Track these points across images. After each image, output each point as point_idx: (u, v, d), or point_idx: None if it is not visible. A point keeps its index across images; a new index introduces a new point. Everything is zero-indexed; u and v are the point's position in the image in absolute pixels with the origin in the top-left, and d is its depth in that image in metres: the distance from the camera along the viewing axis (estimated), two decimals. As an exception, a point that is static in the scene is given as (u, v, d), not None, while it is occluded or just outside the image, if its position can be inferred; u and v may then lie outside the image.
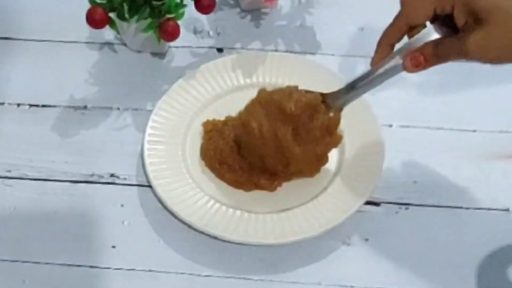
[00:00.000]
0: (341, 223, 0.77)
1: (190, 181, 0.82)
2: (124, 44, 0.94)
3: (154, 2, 0.86)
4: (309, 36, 0.96)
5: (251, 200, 0.81)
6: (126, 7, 0.86)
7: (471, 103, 0.89)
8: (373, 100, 0.86)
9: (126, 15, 0.87)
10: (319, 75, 0.88)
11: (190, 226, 0.78)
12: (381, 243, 0.78)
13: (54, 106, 0.89)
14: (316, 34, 0.96)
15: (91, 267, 0.77)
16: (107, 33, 0.94)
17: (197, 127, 0.86)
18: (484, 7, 0.64)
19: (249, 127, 0.79)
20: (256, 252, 0.78)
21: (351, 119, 0.83)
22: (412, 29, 0.70)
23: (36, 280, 0.76)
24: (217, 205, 0.80)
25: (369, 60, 0.92)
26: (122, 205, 0.81)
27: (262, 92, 0.81)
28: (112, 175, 0.84)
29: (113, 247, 0.78)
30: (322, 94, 0.78)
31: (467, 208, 0.81)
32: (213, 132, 0.84)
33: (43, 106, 0.89)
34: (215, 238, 0.77)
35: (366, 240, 0.79)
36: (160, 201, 0.80)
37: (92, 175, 0.84)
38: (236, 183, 0.81)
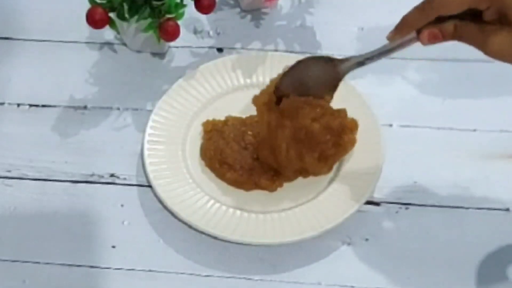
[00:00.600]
0: (341, 223, 0.77)
1: (190, 181, 0.82)
2: (124, 44, 0.94)
3: (154, 2, 0.86)
4: (309, 36, 0.96)
5: (251, 200, 0.81)
6: (126, 7, 0.86)
7: (471, 103, 0.89)
8: (373, 100, 0.86)
9: (126, 15, 0.87)
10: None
11: (190, 226, 0.78)
12: (381, 243, 0.78)
13: (54, 106, 0.89)
14: (316, 34, 0.96)
15: (91, 267, 0.77)
16: (107, 33, 0.94)
17: (197, 127, 0.86)
18: None
19: (276, 146, 0.78)
20: (256, 252, 0.78)
21: (351, 119, 0.83)
22: (440, 20, 0.68)
23: (36, 280, 0.76)
24: (217, 205, 0.80)
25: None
26: (122, 205, 0.81)
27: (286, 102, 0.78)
28: (112, 175, 0.84)
29: (113, 247, 0.78)
30: (332, 59, 0.76)
31: (467, 208, 0.81)
32: (213, 132, 0.84)
33: (43, 106, 0.89)
34: (215, 238, 0.77)
35: (366, 240, 0.79)
36: (160, 201, 0.80)
37: (92, 175, 0.84)
38: (236, 183, 0.81)
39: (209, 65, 0.90)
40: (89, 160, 0.85)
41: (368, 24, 0.96)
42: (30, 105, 0.90)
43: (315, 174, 0.81)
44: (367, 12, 0.97)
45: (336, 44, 0.95)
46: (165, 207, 0.79)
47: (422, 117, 0.88)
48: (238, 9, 0.99)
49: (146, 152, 0.83)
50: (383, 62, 0.93)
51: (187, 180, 0.82)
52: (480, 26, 0.66)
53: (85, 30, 0.91)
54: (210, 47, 0.95)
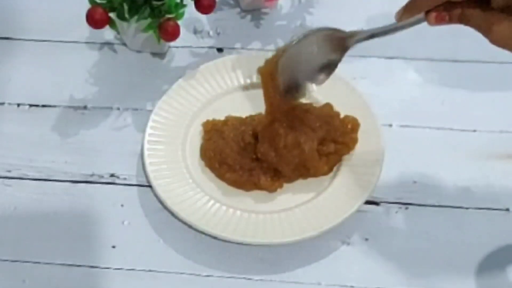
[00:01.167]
0: (341, 223, 0.77)
1: (190, 181, 0.82)
2: (124, 44, 0.94)
3: (154, 2, 0.86)
4: (309, 36, 0.96)
5: (251, 200, 0.81)
6: (126, 7, 0.86)
7: (471, 103, 0.89)
8: (373, 100, 0.86)
9: (126, 15, 0.87)
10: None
11: (190, 226, 0.78)
12: (381, 243, 0.78)
13: (54, 106, 0.89)
14: (316, 34, 0.96)
15: (91, 267, 0.77)
16: (107, 33, 0.94)
17: (197, 127, 0.86)
18: None
19: (274, 131, 0.80)
20: (256, 252, 0.78)
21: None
22: (452, 6, 0.68)
23: (36, 280, 0.76)
24: (217, 205, 0.80)
25: (368, 60, 0.93)
26: (122, 205, 0.81)
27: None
28: (112, 175, 0.84)
29: (113, 247, 0.78)
30: (339, 30, 0.75)
31: (467, 208, 0.81)
32: (212, 132, 0.84)
33: (43, 106, 0.89)
34: (215, 238, 0.77)
35: (366, 240, 0.79)
36: (160, 201, 0.80)
37: (92, 175, 0.84)
38: (236, 183, 0.81)
39: (209, 65, 0.90)
40: (89, 160, 0.85)
41: (368, 24, 0.96)
42: (30, 105, 0.90)
43: (316, 174, 0.81)
44: (367, 12, 0.97)
45: (336, 44, 0.94)
46: (165, 207, 0.79)
47: (422, 117, 0.88)
48: (238, 9, 0.99)
49: (146, 152, 0.83)
50: (383, 62, 0.94)
51: (187, 180, 0.82)
52: (486, 13, 0.66)
53: (85, 30, 0.91)
54: (210, 47, 0.95)
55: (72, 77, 0.92)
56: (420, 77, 0.92)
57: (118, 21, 0.88)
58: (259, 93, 0.88)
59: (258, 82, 0.89)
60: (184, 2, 0.88)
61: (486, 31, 0.66)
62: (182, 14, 0.88)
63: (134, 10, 0.86)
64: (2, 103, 0.90)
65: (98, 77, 0.92)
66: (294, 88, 0.78)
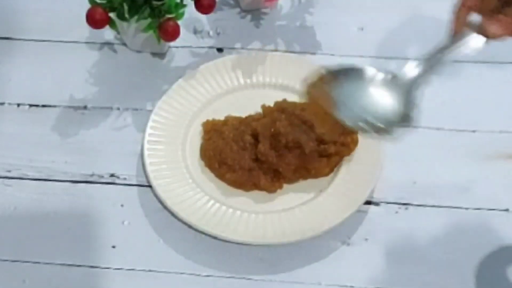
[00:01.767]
0: (341, 223, 0.77)
1: (190, 181, 0.82)
2: (124, 44, 0.94)
3: (154, 2, 0.86)
4: (309, 36, 0.96)
5: (251, 200, 0.81)
6: (126, 7, 0.86)
7: (471, 103, 0.89)
8: (373, 100, 0.86)
9: (126, 15, 0.87)
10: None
11: (190, 226, 0.78)
12: (381, 243, 0.78)
13: (54, 106, 0.89)
14: (316, 34, 0.96)
15: (91, 267, 0.77)
16: (107, 33, 0.94)
17: (197, 127, 0.86)
18: None
19: (275, 132, 0.80)
20: (256, 252, 0.78)
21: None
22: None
23: (36, 280, 0.76)
24: (217, 205, 0.80)
25: (368, 60, 0.93)
26: (122, 205, 0.81)
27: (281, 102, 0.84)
28: (112, 175, 0.84)
29: (113, 247, 0.78)
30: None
31: (467, 208, 0.81)
32: (212, 132, 0.84)
33: (43, 106, 0.89)
34: (215, 238, 0.77)
35: (366, 240, 0.79)
36: (160, 201, 0.80)
37: (92, 175, 0.84)
38: (236, 184, 0.81)
39: (209, 65, 0.90)
40: (89, 160, 0.85)
41: (368, 24, 0.96)
42: (30, 105, 0.90)
43: (316, 175, 0.81)
44: (367, 12, 0.97)
45: (336, 44, 0.95)
46: (165, 207, 0.79)
47: (422, 117, 0.88)
48: (238, 9, 0.99)
49: (146, 152, 0.83)
50: (383, 62, 0.94)
51: (187, 180, 0.82)
52: None
53: (85, 30, 0.91)
54: (210, 47, 0.95)
55: (72, 77, 0.92)
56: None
57: (118, 21, 0.88)
58: (259, 93, 0.88)
59: (258, 82, 0.89)
60: (184, 2, 0.88)
61: None
62: (182, 14, 0.88)
63: (134, 10, 0.86)
64: (2, 103, 0.90)
65: (98, 77, 0.92)
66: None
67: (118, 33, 0.93)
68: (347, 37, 0.95)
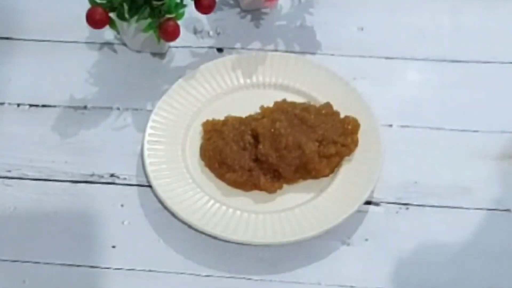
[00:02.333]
0: (341, 223, 0.77)
1: (190, 181, 0.82)
2: (124, 44, 0.94)
3: (154, 2, 0.86)
4: (309, 36, 0.96)
5: (251, 200, 0.81)
6: (126, 7, 0.86)
7: (471, 103, 0.89)
8: (373, 100, 0.86)
9: (126, 15, 0.87)
10: (319, 75, 0.89)
11: (190, 226, 0.78)
12: (381, 243, 0.78)
13: (54, 106, 0.89)
14: (316, 34, 0.96)
15: (91, 267, 0.77)
16: (107, 33, 0.94)
17: (197, 127, 0.86)
18: None
19: (275, 132, 0.80)
20: (256, 252, 0.78)
21: (351, 119, 0.83)
22: None
23: (36, 280, 0.76)
24: (217, 205, 0.80)
25: (368, 60, 0.93)
26: (122, 205, 0.81)
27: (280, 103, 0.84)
28: (112, 175, 0.84)
29: (113, 247, 0.78)
30: None
31: (467, 208, 0.81)
32: (212, 132, 0.84)
33: (43, 106, 0.89)
34: (215, 238, 0.77)
35: (366, 240, 0.79)
36: (160, 201, 0.80)
37: (92, 175, 0.84)
38: (236, 184, 0.81)
39: (209, 65, 0.90)
40: (89, 160, 0.85)
41: (368, 24, 0.96)
42: (30, 105, 0.90)
43: (316, 176, 0.81)
44: (367, 12, 0.97)
45: (336, 44, 0.95)
46: (165, 207, 0.79)
47: (422, 118, 0.88)
48: (238, 9, 0.99)
49: (146, 152, 0.83)
50: (383, 62, 0.94)
51: (187, 180, 0.82)
52: None
53: (85, 30, 0.91)
54: (210, 47, 0.95)
55: (72, 77, 0.92)
56: (420, 77, 0.92)
57: (118, 21, 0.88)
58: (259, 93, 0.89)
59: (258, 82, 0.89)
60: (184, 2, 0.88)
61: None
62: (182, 14, 0.88)
63: (134, 10, 0.86)
64: (2, 103, 0.90)
65: (98, 77, 0.92)
66: None
67: (118, 33, 0.93)
68: (347, 37, 0.95)
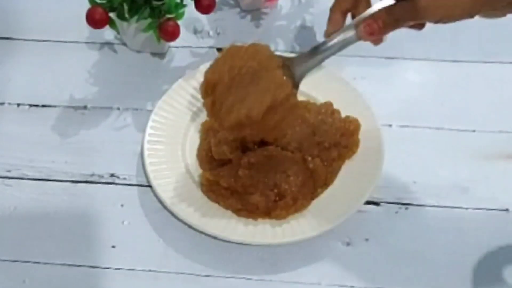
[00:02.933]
0: (341, 223, 0.77)
1: (190, 181, 0.82)
2: (124, 44, 0.94)
3: (154, 2, 0.86)
4: (309, 36, 0.96)
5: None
6: (126, 7, 0.86)
7: (471, 103, 0.89)
8: (373, 100, 0.86)
9: (126, 15, 0.87)
10: (319, 75, 0.88)
11: (190, 226, 0.78)
12: (381, 243, 0.78)
13: (54, 106, 0.89)
14: (316, 34, 0.96)
15: (91, 267, 0.77)
16: (107, 33, 0.95)
17: (197, 127, 0.86)
18: None
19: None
20: (256, 252, 0.78)
21: (351, 119, 0.83)
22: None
23: (36, 280, 0.76)
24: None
25: (368, 60, 0.93)
26: (122, 205, 0.81)
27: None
28: (112, 175, 0.84)
29: (113, 247, 0.78)
30: (284, 58, 0.73)
31: (467, 208, 0.81)
32: (209, 132, 0.84)
33: (43, 106, 0.90)
34: (215, 238, 0.77)
35: (366, 240, 0.79)
36: (160, 201, 0.80)
37: (92, 175, 0.84)
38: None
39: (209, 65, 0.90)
40: (89, 160, 0.85)
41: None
42: (30, 105, 0.90)
43: (327, 184, 0.81)
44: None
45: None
46: (165, 207, 0.79)
47: (422, 117, 0.88)
48: (238, 9, 0.99)
49: (146, 152, 0.83)
50: (383, 62, 0.94)
51: (187, 180, 0.82)
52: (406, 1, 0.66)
53: (85, 30, 0.91)
54: (210, 47, 0.95)
55: (72, 77, 0.92)
56: (420, 77, 0.92)
57: (118, 21, 0.89)
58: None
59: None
60: (184, 2, 0.88)
61: (413, 9, 0.66)
62: (182, 14, 0.88)
63: (134, 10, 0.86)
64: (2, 103, 0.90)
65: (98, 77, 0.92)
66: None
67: (118, 33, 0.93)
68: (347, 37, 0.95)
